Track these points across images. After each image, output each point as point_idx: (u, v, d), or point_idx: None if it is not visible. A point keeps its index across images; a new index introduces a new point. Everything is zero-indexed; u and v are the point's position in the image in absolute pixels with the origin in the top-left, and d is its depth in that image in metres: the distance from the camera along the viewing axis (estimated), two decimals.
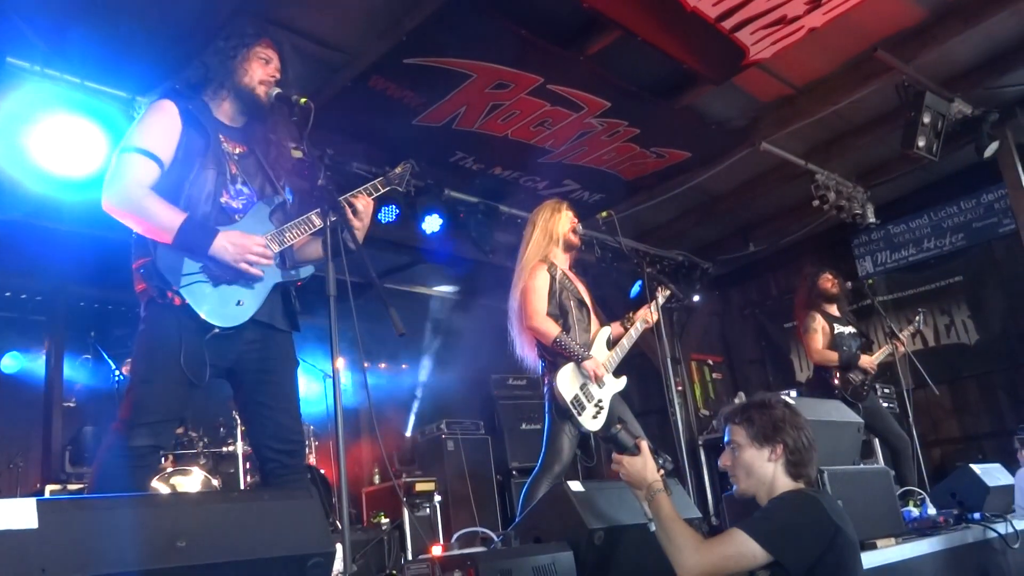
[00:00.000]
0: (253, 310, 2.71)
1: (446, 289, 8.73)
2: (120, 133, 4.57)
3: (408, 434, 7.15)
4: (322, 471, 6.19)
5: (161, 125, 2.71)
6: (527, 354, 4.19)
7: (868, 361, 5.81)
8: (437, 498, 6.06)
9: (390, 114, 5.29)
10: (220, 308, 2.62)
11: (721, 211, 8.02)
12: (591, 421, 3.97)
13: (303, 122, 2.78)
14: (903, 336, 6.12)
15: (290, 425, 2.79)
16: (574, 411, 3.91)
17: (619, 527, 2.75)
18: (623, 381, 4.21)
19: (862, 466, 4.41)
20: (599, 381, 4.02)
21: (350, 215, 2.86)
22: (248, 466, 5.88)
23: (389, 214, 5.85)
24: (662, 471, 2.54)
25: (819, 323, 5.93)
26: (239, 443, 5.72)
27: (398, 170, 3.21)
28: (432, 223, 6.12)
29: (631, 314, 4.37)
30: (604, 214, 4.75)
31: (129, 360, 4.76)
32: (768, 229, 8.52)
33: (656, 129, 6.06)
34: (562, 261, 4.27)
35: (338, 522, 3.94)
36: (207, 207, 2.71)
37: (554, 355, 4.03)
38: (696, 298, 8.51)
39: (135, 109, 4.64)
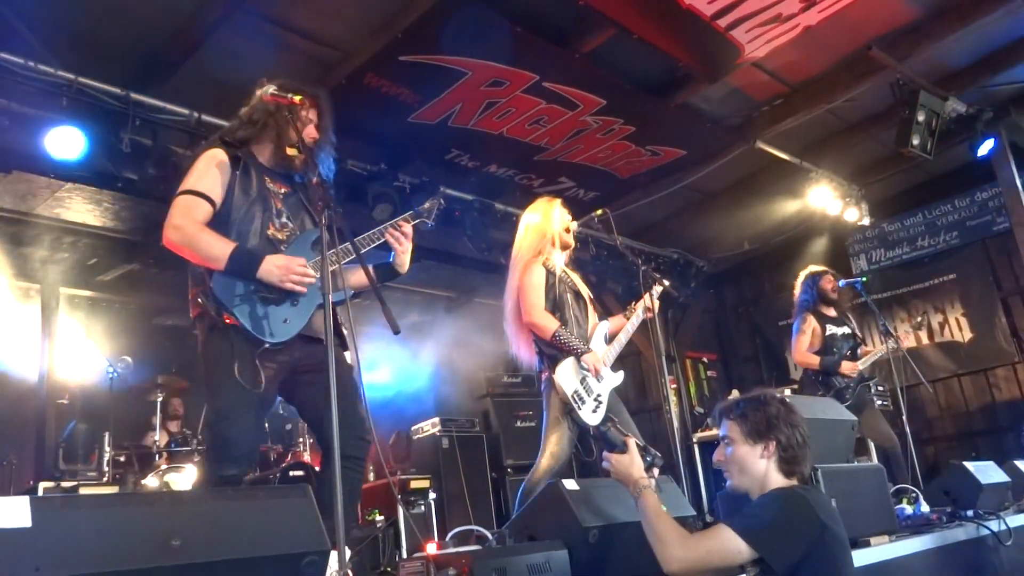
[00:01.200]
0: (299, 327, 2.94)
1: (441, 287, 8.72)
2: (112, 129, 4.57)
3: (403, 432, 7.13)
4: (317, 468, 6.18)
5: (212, 170, 2.96)
6: (522, 351, 4.16)
7: (850, 368, 5.78)
8: (432, 496, 6.05)
9: (385, 112, 5.28)
10: (268, 325, 2.88)
11: (716, 209, 8.04)
12: (591, 415, 3.96)
13: (298, 120, 2.84)
14: (903, 331, 6.12)
15: (360, 416, 2.96)
16: (575, 405, 3.90)
17: (614, 525, 2.75)
18: (620, 375, 4.21)
19: (856, 464, 4.41)
20: (598, 375, 4.01)
21: (393, 244, 3.14)
22: None
23: (384, 212, 5.82)
24: (655, 468, 2.55)
25: (810, 324, 5.92)
26: None
27: (427, 205, 3.35)
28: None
29: (632, 304, 4.36)
30: (599, 212, 4.73)
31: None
32: (763, 227, 8.53)
33: (651, 127, 6.06)
34: (557, 257, 4.25)
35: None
36: (256, 240, 2.96)
37: (553, 350, 4.01)
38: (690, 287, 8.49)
39: (130, 107, 4.62)
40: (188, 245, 2.83)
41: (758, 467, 2.43)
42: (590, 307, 4.29)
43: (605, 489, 2.97)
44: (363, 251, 2.98)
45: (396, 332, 2.41)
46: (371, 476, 6.73)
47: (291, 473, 5.99)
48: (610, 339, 4.28)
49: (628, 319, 4.31)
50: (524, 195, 6.58)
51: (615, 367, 4.23)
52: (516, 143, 5.93)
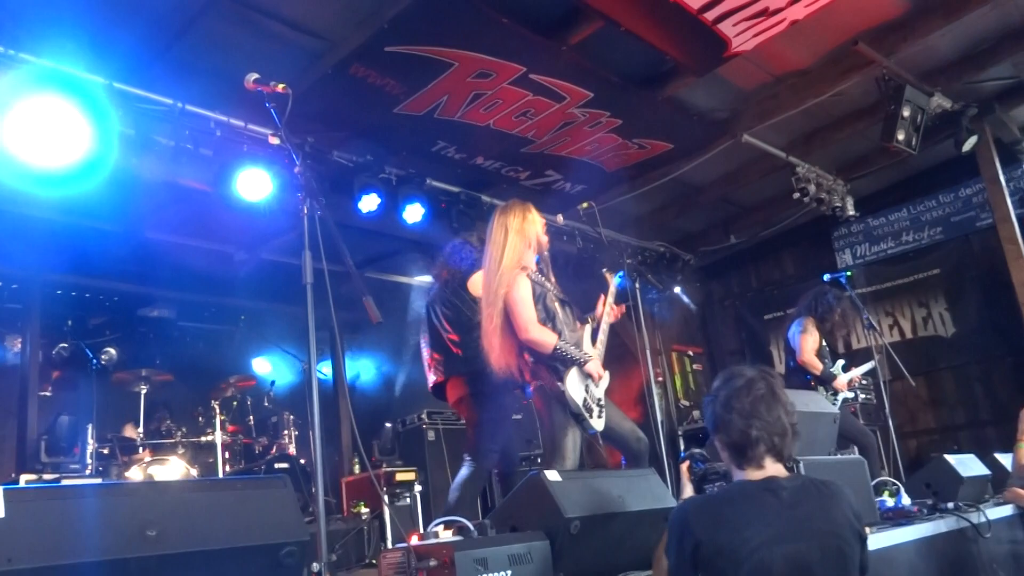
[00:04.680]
0: None
1: (427, 279, 8.69)
2: (100, 119, 4.50)
3: (389, 424, 7.12)
4: (302, 461, 6.17)
5: None
6: (507, 361, 3.96)
7: (841, 385, 5.91)
8: (417, 488, 6.05)
9: (371, 102, 5.25)
10: None
11: (703, 203, 8.05)
12: (598, 421, 3.88)
13: (281, 109, 2.82)
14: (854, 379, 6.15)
15: None
16: (586, 415, 3.82)
17: (597, 516, 2.75)
18: (607, 374, 4.16)
19: (838, 456, 4.44)
20: (599, 381, 3.97)
21: None
22: (227, 456, 5.86)
23: (370, 204, 5.80)
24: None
25: (815, 329, 5.97)
26: (218, 432, 5.70)
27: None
28: (414, 212, 6.08)
29: (595, 313, 4.28)
30: (585, 205, 4.73)
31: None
32: (749, 221, 8.56)
33: (638, 120, 6.05)
34: (532, 262, 4.09)
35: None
36: None
37: (555, 362, 3.87)
38: (677, 289, 8.48)
39: (112, 96, 4.57)
40: None
41: (725, 461, 2.35)
42: (574, 311, 4.20)
43: (588, 480, 2.97)
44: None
45: (376, 321, 2.40)
46: (356, 468, 6.73)
47: (276, 465, 5.98)
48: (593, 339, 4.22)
49: (600, 316, 4.25)
50: (511, 187, 6.57)
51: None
52: (503, 135, 5.91)
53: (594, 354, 4.04)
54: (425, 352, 4.68)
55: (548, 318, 3.94)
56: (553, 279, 4.22)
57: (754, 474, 2.24)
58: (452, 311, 4.66)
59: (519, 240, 4.02)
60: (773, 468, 2.24)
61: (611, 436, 3.95)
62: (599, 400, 3.94)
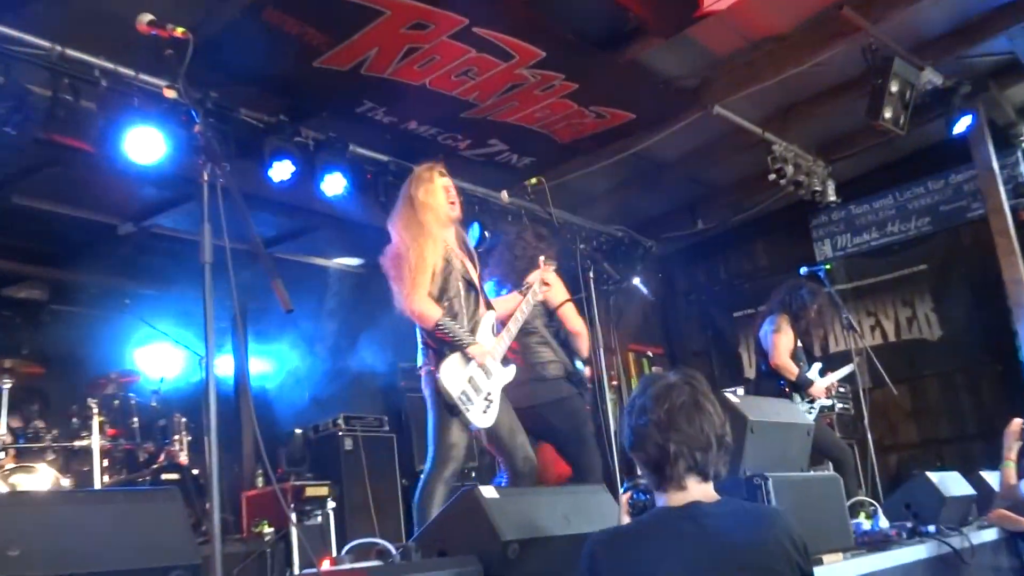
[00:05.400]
0: None
1: (349, 261, 8.62)
2: None
3: (299, 430, 7.06)
4: (195, 471, 6.07)
5: None
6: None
7: (819, 391, 6.05)
8: (331, 504, 6.02)
9: (287, 53, 5.17)
10: None
11: (667, 182, 8.14)
12: (481, 417, 4.01)
13: (179, 57, 2.80)
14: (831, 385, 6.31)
15: None
16: (462, 407, 3.94)
17: (537, 539, 2.77)
18: (512, 370, 4.27)
19: (811, 473, 4.54)
20: (486, 370, 4.06)
21: None
22: (106, 463, 5.73)
23: (283, 172, 5.71)
24: None
25: (789, 327, 6.07)
26: (95, 436, 5.56)
27: None
28: (334, 183, 6.01)
29: (528, 281, 4.42)
30: (534, 181, 4.75)
31: None
32: (719, 204, 8.67)
33: (597, 85, 6.08)
34: (447, 235, 4.27)
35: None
36: None
37: (436, 342, 4.02)
38: (636, 280, 8.56)
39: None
40: None
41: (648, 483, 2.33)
42: (481, 297, 4.30)
43: (530, 498, 2.99)
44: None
45: (288, 310, 2.37)
46: (259, 482, 6.66)
47: (164, 476, 5.88)
48: (499, 328, 4.34)
49: (524, 296, 4.39)
50: (449, 158, 6.53)
51: (504, 361, 4.30)
52: (440, 97, 5.89)
53: (492, 343, 4.11)
54: None
55: (443, 297, 4.07)
56: (469, 259, 4.35)
57: (676, 498, 2.20)
58: None
59: (431, 202, 4.26)
60: (698, 490, 2.19)
61: (498, 445, 4.13)
62: (487, 395, 4.06)
